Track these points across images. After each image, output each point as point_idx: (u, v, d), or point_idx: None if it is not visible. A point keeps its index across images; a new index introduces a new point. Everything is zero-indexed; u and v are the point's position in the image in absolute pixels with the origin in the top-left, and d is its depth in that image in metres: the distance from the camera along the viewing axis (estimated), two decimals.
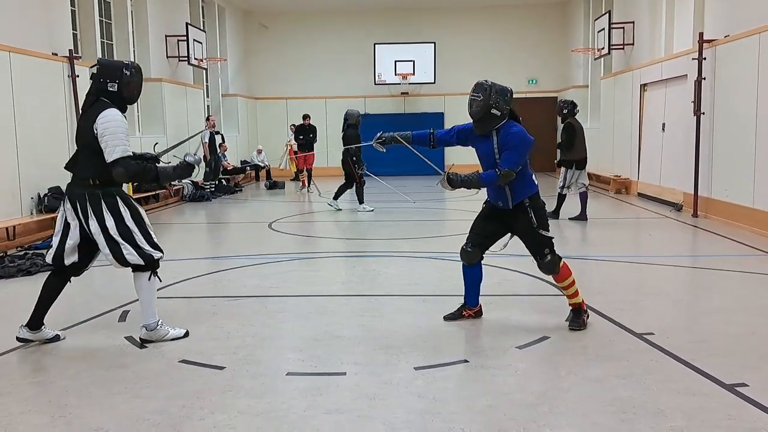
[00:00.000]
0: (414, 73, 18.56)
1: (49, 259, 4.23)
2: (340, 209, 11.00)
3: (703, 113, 9.64)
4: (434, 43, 18.64)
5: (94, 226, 4.07)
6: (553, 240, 4.44)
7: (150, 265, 4.21)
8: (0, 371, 3.84)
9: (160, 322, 4.30)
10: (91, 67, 4.25)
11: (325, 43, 19.34)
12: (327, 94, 19.32)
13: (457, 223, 10.05)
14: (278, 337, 4.46)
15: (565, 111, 9.59)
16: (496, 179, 4.24)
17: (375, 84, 18.81)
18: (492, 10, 19.14)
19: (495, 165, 4.30)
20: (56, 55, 9.26)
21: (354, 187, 11.03)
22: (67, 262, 4.16)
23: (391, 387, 3.52)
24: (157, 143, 5.20)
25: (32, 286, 6.00)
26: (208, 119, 14.31)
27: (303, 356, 4.01)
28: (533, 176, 4.47)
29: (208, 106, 16.63)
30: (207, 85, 16.73)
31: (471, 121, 4.42)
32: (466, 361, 3.90)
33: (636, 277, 6.19)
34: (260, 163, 17.54)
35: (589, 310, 4.62)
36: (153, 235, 4.27)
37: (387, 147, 4.64)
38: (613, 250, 7.37)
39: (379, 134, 4.61)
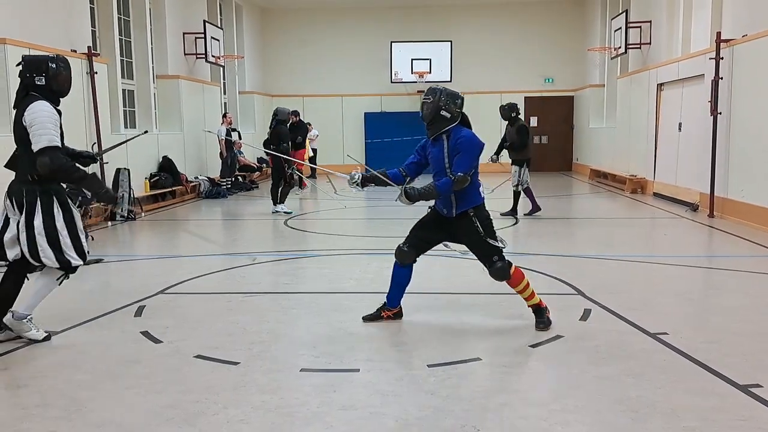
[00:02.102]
0: (430, 72, 18.53)
1: None
2: (290, 212, 10.66)
3: (720, 113, 9.55)
4: (450, 41, 18.61)
5: (22, 219, 4.06)
6: (503, 248, 4.41)
7: (66, 270, 4.18)
8: (16, 364, 3.91)
9: (29, 318, 4.20)
10: (17, 64, 4.22)
11: (342, 41, 19.37)
12: (343, 92, 19.36)
13: None
14: (292, 333, 4.49)
15: (513, 114, 9.97)
16: (451, 185, 4.25)
17: (391, 82, 18.81)
18: (509, 8, 19.06)
19: (445, 170, 4.33)
20: (75, 51, 9.37)
21: (281, 186, 10.67)
22: (10, 256, 4.12)
23: (404, 384, 3.54)
24: (94, 143, 5.17)
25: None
26: (224, 116, 14.39)
27: (317, 352, 4.04)
28: (480, 188, 4.47)
29: (225, 103, 16.73)
30: (224, 83, 16.83)
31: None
32: (479, 359, 3.90)
33: (650, 277, 6.16)
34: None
35: (548, 308, 4.57)
36: (82, 240, 4.21)
37: (361, 189, 4.62)
38: (628, 250, 7.33)
39: (353, 174, 4.54)
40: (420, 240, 4.56)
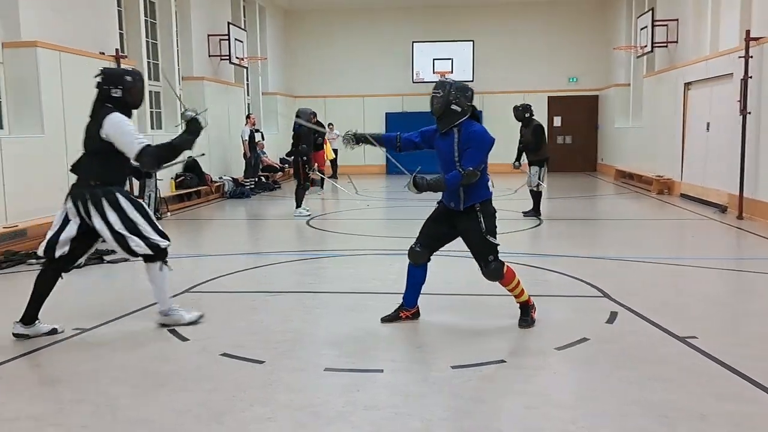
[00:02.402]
0: (452, 72, 18.49)
1: (41, 251, 4.35)
2: (309, 214, 10.55)
3: (749, 113, 9.38)
4: (473, 41, 18.55)
5: (98, 223, 4.23)
6: (499, 247, 4.39)
7: (158, 255, 4.36)
8: (50, 360, 3.99)
9: (173, 307, 4.52)
10: (96, 76, 4.40)
11: (364, 41, 19.42)
12: (365, 93, 19.40)
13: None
14: (316, 333, 4.52)
15: (527, 114, 9.90)
16: (460, 180, 4.25)
17: (413, 82, 18.81)
18: (532, 7, 18.94)
19: (453, 163, 4.32)
20: (103, 54, 9.52)
21: (299, 188, 10.60)
22: (58, 252, 4.27)
23: (428, 385, 3.54)
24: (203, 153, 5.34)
25: (81, 278, 6.20)
26: (248, 117, 14.52)
27: (340, 352, 4.06)
28: (489, 182, 4.47)
29: (248, 104, 16.87)
30: (247, 84, 16.97)
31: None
32: (503, 361, 3.89)
33: (678, 280, 6.07)
34: None
35: (535, 306, 4.60)
36: (158, 226, 4.41)
37: (355, 145, 4.63)
38: (655, 252, 7.24)
39: (349, 130, 4.65)
40: (431, 238, 4.57)
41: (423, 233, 4.60)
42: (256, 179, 14.40)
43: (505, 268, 4.43)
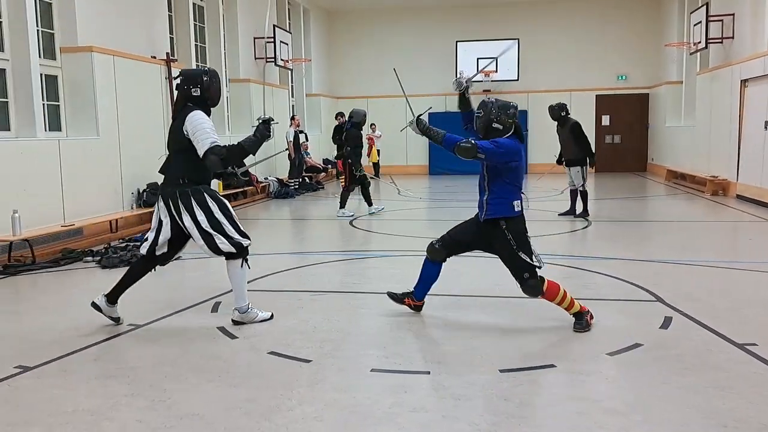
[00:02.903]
0: (496, 71, 18.30)
1: (143, 250, 4.61)
2: (353, 215, 10.50)
3: None
4: (518, 39, 18.32)
5: (187, 221, 4.41)
6: (536, 267, 4.36)
7: (240, 252, 4.51)
8: (106, 355, 4.11)
9: (249, 306, 4.62)
10: (176, 77, 4.64)
11: (407, 41, 19.40)
12: (408, 93, 19.33)
13: (540, 225, 9.85)
14: (362, 333, 4.53)
15: (562, 113, 9.71)
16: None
17: None
18: (578, 3, 18.59)
19: (484, 177, 4.46)
20: (154, 58, 9.76)
21: (346, 189, 10.54)
22: (158, 253, 4.55)
23: (476, 388, 3.49)
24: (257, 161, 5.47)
25: None
26: (293, 119, 14.68)
27: (387, 353, 4.05)
28: (517, 201, 4.40)
29: (292, 105, 17.05)
30: (292, 85, 17.16)
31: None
32: (553, 365, 3.82)
33: (735, 284, 5.85)
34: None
35: (591, 312, 4.53)
36: (240, 226, 4.56)
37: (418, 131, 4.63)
38: (711, 255, 7.00)
39: (422, 115, 4.73)
40: (453, 240, 4.65)
41: (448, 233, 4.69)
42: (300, 180, 14.55)
43: (545, 285, 4.40)
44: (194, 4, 11.96)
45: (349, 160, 10.44)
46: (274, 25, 14.52)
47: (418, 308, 4.87)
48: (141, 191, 9.14)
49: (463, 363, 3.89)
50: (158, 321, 4.78)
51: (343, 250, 7.52)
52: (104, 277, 6.35)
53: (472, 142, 4.29)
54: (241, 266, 4.56)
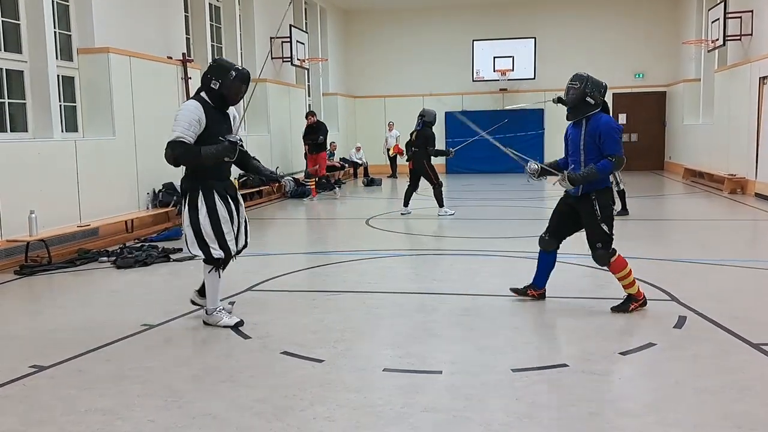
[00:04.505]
0: (513, 69, 18.22)
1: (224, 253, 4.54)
2: (410, 212, 10.41)
3: None
4: (534, 38, 18.21)
5: (183, 213, 4.47)
6: (612, 237, 4.67)
7: (209, 260, 4.47)
8: (121, 355, 4.14)
9: (219, 309, 4.60)
10: (212, 62, 4.65)
11: (423, 40, 19.37)
12: (425, 92, 19.34)
13: None
14: (376, 332, 4.53)
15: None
16: (611, 167, 4.57)
17: (473, 81, 18.64)
18: (595, 1, 18.43)
19: (579, 151, 4.68)
20: (171, 58, 9.84)
21: (415, 189, 10.38)
22: (232, 247, 4.53)
23: (489, 388, 3.48)
24: (278, 167, 5.47)
25: (149, 275, 6.45)
26: (308, 117, 14.69)
27: (400, 353, 4.05)
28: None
29: (309, 105, 17.09)
30: (308, 85, 17.20)
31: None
32: (565, 365, 3.79)
33: (753, 284, 5.77)
34: (358, 161, 17.88)
35: (647, 302, 4.78)
36: (226, 235, 4.43)
37: (539, 177, 4.97)
38: (728, 255, 6.91)
39: (530, 165, 4.95)
40: (557, 229, 4.92)
41: (550, 222, 4.97)
42: (317, 179, 14.57)
43: (614, 258, 4.66)
44: (210, 5, 12.03)
45: (424, 160, 10.05)
46: (290, 25, 14.57)
47: (542, 296, 5.09)
48: (156, 191, 9.22)
49: (476, 363, 3.88)
50: (171, 321, 4.81)
51: (359, 250, 7.53)
52: (119, 277, 6.43)
53: (617, 155, 4.56)
54: (209, 272, 4.50)
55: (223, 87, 4.42)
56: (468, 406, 3.27)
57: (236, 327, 4.56)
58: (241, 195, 4.91)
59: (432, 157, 10.15)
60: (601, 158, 4.59)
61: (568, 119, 4.80)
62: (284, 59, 14.45)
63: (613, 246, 4.69)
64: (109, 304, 5.45)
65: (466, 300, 5.32)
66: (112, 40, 8.59)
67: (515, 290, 5.17)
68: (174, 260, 7.02)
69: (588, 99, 4.60)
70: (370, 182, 16.10)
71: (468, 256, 7.23)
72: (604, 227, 4.64)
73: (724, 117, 13.78)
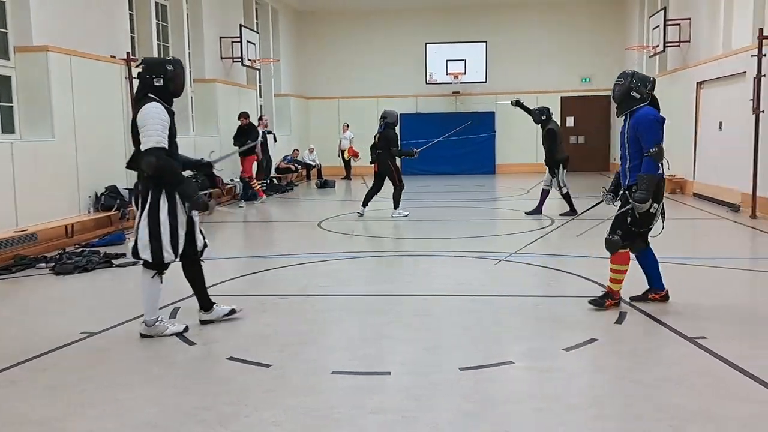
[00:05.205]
0: (465, 73, 18.42)
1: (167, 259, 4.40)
2: (362, 214, 10.31)
3: (763, 111, 9.27)
4: (485, 42, 18.47)
5: (142, 213, 4.29)
6: (635, 232, 4.72)
7: (156, 265, 4.32)
8: (58, 364, 4.00)
9: (159, 319, 4.43)
10: (137, 65, 4.52)
11: (377, 42, 19.41)
12: (378, 94, 19.38)
13: (507, 223, 9.94)
14: (326, 335, 4.51)
15: (543, 117, 9.89)
16: (653, 162, 4.60)
17: (426, 83, 18.77)
18: (544, 7, 18.82)
19: (624, 146, 4.78)
20: (114, 57, 9.57)
21: (377, 191, 10.35)
22: (179, 248, 4.37)
23: (437, 387, 3.51)
24: (213, 151, 5.36)
25: (89, 282, 6.25)
26: (260, 119, 14.54)
27: (350, 355, 4.04)
28: (660, 162, 4.69)
29: (260, 106, 16.91)
30: (260, 86, 17.01)
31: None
32: (511, 362, 3.85)
33: (689, 280, 5.99)
34: (312, 163, 17.78)
35: (620, 301, 4.86)
36: (180, 239, 4.33)
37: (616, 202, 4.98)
38: (667, 252, 7.11)
39: (604, 195, 5.02)
40: (628, 227, 4.80)
41: (618, 226, 4.86)
42: (268, 181, 14.42)
43: (621, 250, 4.72)
44: (157, 3, 11.76)
45: (389, 161, 10.03)
46: (240, 25, 14.38)
47: (665, 297, 4.98)
48: (99, 195, 8.93)
49: (425, 363, 3.90)
50: (114, 328, 4.67)
51: (311, 253, 7.47)
52: (58, 283, 6.21)
53: (652, 150, 4.58)
54: (152, 278, 4.33)
55: (168, 80, 4.34)
56: (416, 406, 3.28)
57: (183, 333, 4.45)
58: None
59: (396, 158, 10.19)
60: (642, 152, 4.64)
61: (617, 115, 4.95)
62: (234, 59, 14.26)
63: (626, 242, 4.74)
64: (47, 311, 5.27)
65: (417, 301, 5.35)
66: (52, 38, 8.30)
67: (636, 297, 5.00)
68: (117, 266, 6.82)
69: (633, 93, 4.70)
70: (324, 184, 16.02)
71: (420, 257, 7.27)
72: (629, 219, 4.68)
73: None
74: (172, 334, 4.42)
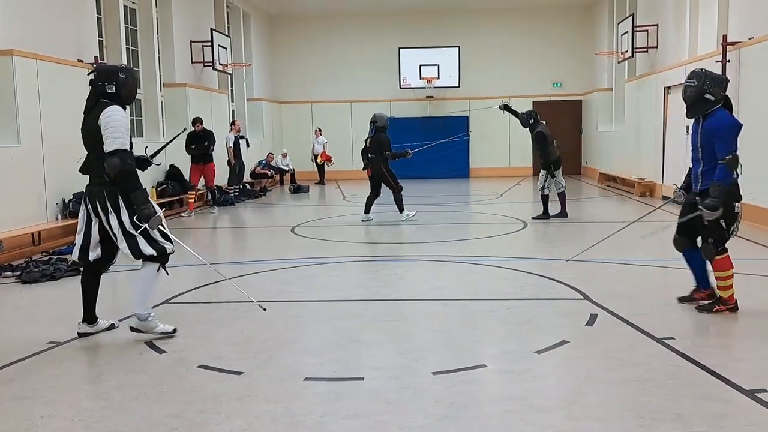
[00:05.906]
0: (439, 77, 18.54)
1: (75, 256, 4.46)
2: (371, 218, 10.29)
3: None
4: (458, 47, 18.61)
5: (114, 221, 4.27)
6: (727, 236, 4.61)
7: (161, 257, 4.37)
8: (24, 374, 3.91)
9: (152, 315, 4.46)
10: (89, 73, 4.49)
11: (351, 47, 19.43)
12: (352, 98, 19.38)
13: (480, 227, 10.00)
14: (298, 341, 4.48)
15: (531, 121, 10.07)
16: (726, 170, 4.44)
17: (400, 88, 18.83)
18: (516, 13, 19.05)
19: (697, 149, 4.62)
20: (82, 61, 9.43)
21: (377, 196, 10.32)
22: (92, 257, 4.39)
23: (410, 392, 3.51)
24: (147, 146, 5.31)
25: (56, 290, 6.13)
26: (233, 124, 14.43)
27: (322, 361, 4.02)
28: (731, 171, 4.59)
29: (233, 110, 16.79)
30: (232, 90, 16.89)
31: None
32: (484, 365, 3.87)
33: (658, 282, 6.10)
34: (285, 168, 17.68)
35: (735, 308, 4.75)
36: (166, 229, 4.43)
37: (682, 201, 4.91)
38: (636, 254, 7.26)
39: (677, 192, 4.91)
40: (684, 227, 4.80)
41: (679, 223, 4.87)
42: (241, 186, 14.31)
43: (721, 256, 4.59)
44: (125, 6, 11.62)
45: (382, 165, 9.93)
46: (211, 29, 14.28)
47: (711, 296, 4.88)
48: (66, 201, 8.77)
49: (398, 367, 3.90)
50: (81, 338, 4.58)
51: (284, 258, 7.43)
52: (24, 292, 6.08)
53: (727, 158, 4.42)
54: (158, 270, 4.41)
55: (120, 88, 4.35)
56: (389, 410, 3.28)
57: (172, 334, 4.46)
58: (159, 204, 4.77)
59: (390, 161, 10.10)
60: (715, 156, 4.49)
61: (687, 116, 4.75)
62: (206, 64, 14.14)
63: (724, 246, 4.63)
64: (13, 320, 5.16)
65: (390, 305, 5.35)
66: (18, 41, 8.14)
67: (681, 299, 4.98)
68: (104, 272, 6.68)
69: (707, 96, 4.50)
70: (297, 189, 15.95)
71: (394, 261, 7.28)
72: (722, 222, 4.53)
73: (634, 125, 14.52)
74: (161, 333, 4.43)
